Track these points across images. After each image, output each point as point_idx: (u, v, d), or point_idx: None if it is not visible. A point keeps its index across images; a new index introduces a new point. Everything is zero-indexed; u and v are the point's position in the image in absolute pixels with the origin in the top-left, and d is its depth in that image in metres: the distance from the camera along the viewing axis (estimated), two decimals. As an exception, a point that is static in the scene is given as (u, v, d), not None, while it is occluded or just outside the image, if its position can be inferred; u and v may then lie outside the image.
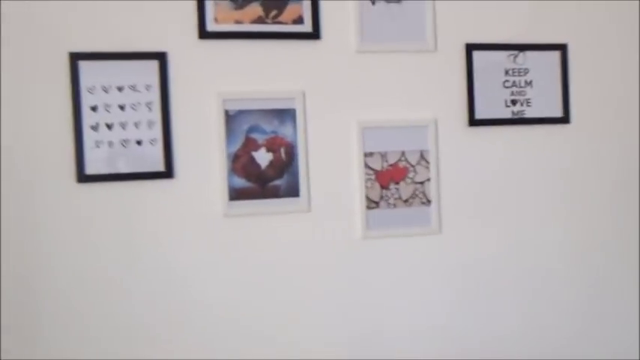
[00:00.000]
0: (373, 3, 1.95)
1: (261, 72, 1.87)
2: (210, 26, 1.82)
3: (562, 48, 2.08)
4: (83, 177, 1.74)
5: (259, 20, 1.86)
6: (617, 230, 2.11)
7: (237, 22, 1.85)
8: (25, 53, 1.70)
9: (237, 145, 1.85)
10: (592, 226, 2.09)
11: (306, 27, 1.89)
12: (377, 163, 1.95)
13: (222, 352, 1.83)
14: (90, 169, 1.75)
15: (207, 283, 1.84)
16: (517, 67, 2.06)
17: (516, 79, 2.06)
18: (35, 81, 1.72)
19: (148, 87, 1.79)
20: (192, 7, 1.81)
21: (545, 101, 2.07)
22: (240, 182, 1.86)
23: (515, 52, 2.05)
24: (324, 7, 1.90)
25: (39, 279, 1.73)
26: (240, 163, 1.86)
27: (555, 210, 2.07)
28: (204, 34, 1.82)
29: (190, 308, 1.83)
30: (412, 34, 1.97)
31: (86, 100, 1.75)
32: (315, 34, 1.90)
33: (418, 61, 1.98)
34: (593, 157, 2.11)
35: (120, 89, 1.77)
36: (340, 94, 1.93)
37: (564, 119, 2.09)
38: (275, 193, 1.88)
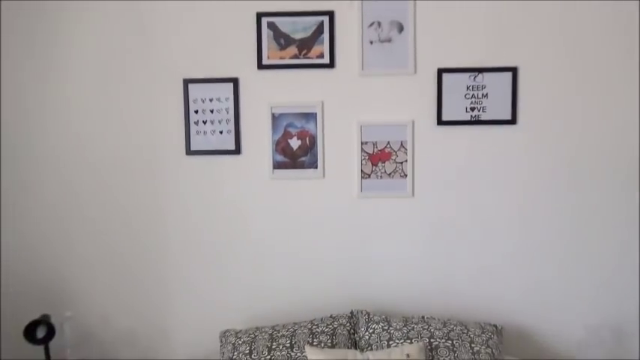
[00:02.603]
0: (371, 43, 2.48)
1: (295, 89, 2.48)
2: (265, 61, 2.48)
3: (514, 70, 2.45)
4: (190, 151, 2.52)
5: (295, 56, 2.47)
6: (542, 198, 2.46)
7: (282, 58, 2.48)
8: (158, 77, 2.49)
9: (279, 135, 2.50)
10: (527, 195, 2.46)
11: (326, 60, 2.47)
12: (370, 149, 2.50)
13: (265, 263, 2.52)
14: (193, 147, 2.51)
15: (258, 221, 2.52)
16: (476, 84, 2.46)
17: (475, 92, 2.46)
18: (163, 95, 2.50)
19: (226, 99, 2.49)
20: (253, 49, 2.47)
21: (497, 108, 2.45)
22: (280, 158, 2.51)
23: (475, 74, 2.46)
24: (338, 47, 2.46)
25: (162, 216, 2.55)
26: (281, 146, 2.51)
27: (500, 184, 2.46)
28: (260, 66, 2.48)
29: (251, 234, 2.53)
30: (399, 63, 2.45)
31: (192, 107, 2.50)
32: (331, 65, 2.47)
33: (403, 81, 2.46)
34: (533, 149, 2.45)
35: (211, 100, 2.50)
36: (347, 103, 2.47)
37: (512, 121, 2.46)
38: (302, 165, 2.50)
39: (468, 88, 2.45)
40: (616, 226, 2.44)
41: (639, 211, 2.44)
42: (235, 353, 2.21)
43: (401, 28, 2.44)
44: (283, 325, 2.32)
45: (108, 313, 2.58)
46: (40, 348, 2.36)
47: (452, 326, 2.26)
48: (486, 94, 2.45)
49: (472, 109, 2.46)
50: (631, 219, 2.44)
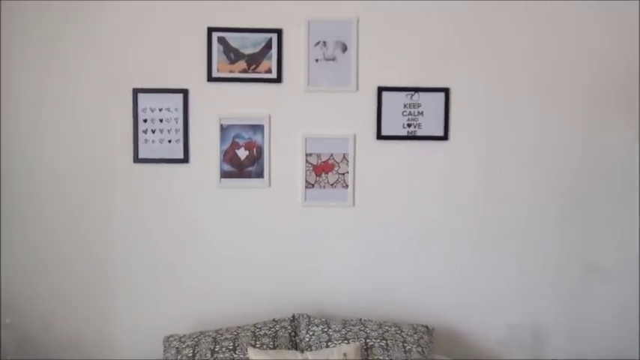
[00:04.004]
0: (317, 61, 2.58)
1: (244, 102, 2.55)
2: (214, 73, 2.53)
3: (446, 91, 2.62)
4: (137, 159, 2.53)
5: (244, 70, 2.54)
6: (470, 208, 2.63)
7: (231, 71, 2.54)
8: (108, 86, 2.50)
9: (227, 145, 2.56)
10: (456, 205, 2.61)
11: (274, 75, 2.54)
12: (314, 160, 2.59)
13: (211, 269, 2.57)
14: (141, 155, 2.53)
15: (205, 228, 2.56)
16: (413, 102, 2.60)
17: (412, 110, 2.61)
18: (113, 103, 2.51)
19: (176, 109, 2.52)
20: (204, 61, 2.52)
21: (431, 125, 2.61)
22: (228, 167, 2.56)
23: (412, 93, 2.61)
24: (285, 64, 2.55)
25: (109, 222, 2.56)
26: (228, 156, 2.56)
27: (433, 194, 2.61)
28: (210, 78, 2.53)
29: (198, 241, 2.56)
30: (342, 80, 2.56)
31: (141, 116, 2.52)
32: (279, 80, 2.55)
33: (345, 98, 2.57)
34: (462, 163, 2.62)
35: (160, 110, 2.53)
36: (293, 117, 2.55)
37: (444, 137, 2.62)
38: (249, 175, 2.56)
39: (405, 106, 2.59)
40: (534, 233, 2.65)
41: (556, 220, 2.66)
42: (179, 357, 2.24)
43: (345, 48, 2.56)
44: (227, 329, 2.37)
45: (50, 319, 2.54)
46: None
47: (387, 327, 2.37)
48: (422, 112, 2.60)
49: (409, 125, 2.60)
50: (548, 227, 2.65)
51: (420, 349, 2.28)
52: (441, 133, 2.62)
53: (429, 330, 2.43)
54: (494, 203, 2.63)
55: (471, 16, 2.57)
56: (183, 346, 2.28)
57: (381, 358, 2.22)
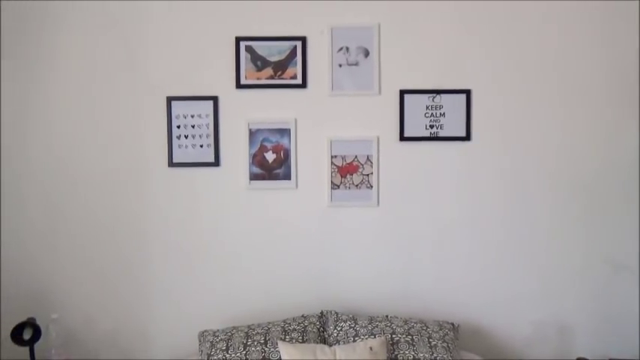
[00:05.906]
0: (340, 66, 2.66)
1: (271, 107, 2.63)
2: (243, 81, 2.63)
3: (467, 92, 2.67)
4: (172, 164, 2.65)
5: (271, 77, 2.64)
6: (492, 206, 2.66)
7: (258, 78, 2.65)
8: (143, 95, 2.63)
9: (255, 149, 2.65)
10: (479, 204, 2.66)
11: (299, 81, 2.63)
12: (339, 162, 2.66)
13: (241, 267, 2.66)
14: (175, 159, 2.64)
15: (236, 228, 2.66)
16: (435, 104, 2.66)
17: (434, 111, 2.66)
18: (148, 111, 2.63)
19: (207, 115, 2.63)
20: (232, 69, 2.63)
21: (453, 126, 2.66)
22: (256, 170, 2.65)
23: (434, 95, 2.66)
24: (310, 69, 2.64)
25: (144, 223, 2.68)
26: (257, 159, 2.66)
27: (455, 194, 2.66)
28: (239, 85, 2.63)
29: (229, 240, 2.66)
30: (365, 84, 2.63)
31: (175, 122, 2.64)
32: (304, 85, 2.64)
33: (368, 101, 2.64)
34: (485, 163, 2.66)
35: (192, 116, 2.64)
36: (318, 120, 2.64)
37: (467, 138, 2.67)
38: (277, 177, 2.65)
39: (427, 107, 2.65)
40: (556, 232, 2.67)
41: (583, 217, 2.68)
42: (213, 350, 2.35)
43: (367, 53, 2.64)
44: (258, 324, 2.46)
45: (91, 316, 2.66)
46: (25, 349, 2.42)
47: (412, 324, 2.44)
48: (443, 113, 2.65)
49: (431, 126, 2.66)
50: (570, 225, 2.67)
51: (445, 344, 2.34)
52: (463, 134, 2.66)
53: (454, 327, 2.48)
54: (516, 202, 2.67)
55: (490, 18, 2.62)
56: (217, 340, 2.39)
57: (406, 352, 2.28)
